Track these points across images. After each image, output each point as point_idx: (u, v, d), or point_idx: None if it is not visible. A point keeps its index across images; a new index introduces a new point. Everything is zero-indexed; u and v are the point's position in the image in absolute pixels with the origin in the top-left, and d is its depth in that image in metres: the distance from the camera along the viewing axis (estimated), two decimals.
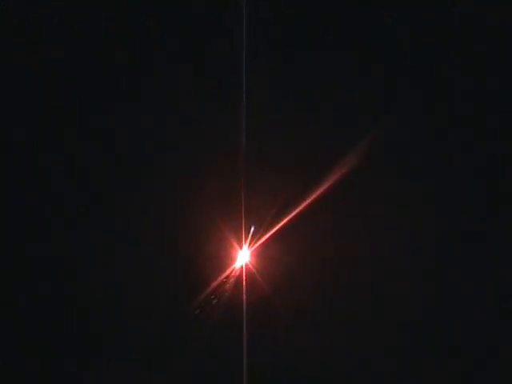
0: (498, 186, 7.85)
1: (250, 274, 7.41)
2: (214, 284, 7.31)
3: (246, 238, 7.44)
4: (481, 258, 7.72)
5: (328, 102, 7.79)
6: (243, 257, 7.40)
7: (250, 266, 7.41)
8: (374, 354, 7.53)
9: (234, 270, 7.40)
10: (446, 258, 7.74)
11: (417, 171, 7.89)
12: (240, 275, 7.41)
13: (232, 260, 7.45)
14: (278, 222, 7.43)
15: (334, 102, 7.84)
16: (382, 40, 8.08)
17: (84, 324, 7.24)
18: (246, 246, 7.45)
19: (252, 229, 7.49)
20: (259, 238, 7.42)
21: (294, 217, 7.44)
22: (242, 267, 7.42)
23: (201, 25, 7.96)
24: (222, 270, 7.40)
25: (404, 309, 7.58)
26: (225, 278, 7.35)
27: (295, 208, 7.46)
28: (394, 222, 7.71)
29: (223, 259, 7.43)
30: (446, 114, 7.96)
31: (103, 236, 7.43)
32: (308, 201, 7.47)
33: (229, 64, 7.82)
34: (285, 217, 7.45)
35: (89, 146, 7.61)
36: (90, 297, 7.31)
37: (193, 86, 7.75)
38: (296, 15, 8.02)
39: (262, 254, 7.46)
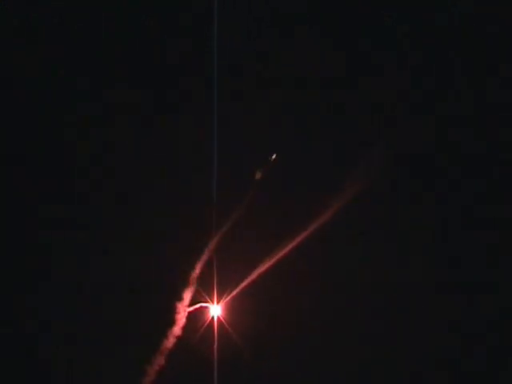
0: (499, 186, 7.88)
1: (221, 327, 7.56)
2: (186, 336, 7.49)
3: (219, 292, 7.58)
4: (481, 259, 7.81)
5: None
6: (215, 310, 7.54)
7: (221, 319, 7.56)
8: None
9: (205, 322, 7.57)
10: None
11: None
12: (211, 328, 7.57)
13: (204, 313, 7.60)
14: (250, 277, 7.53)
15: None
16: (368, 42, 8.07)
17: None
18: (217, 300, 7.61)
19: (273, 156, 7.60)
20: (230, 292, 7.56)
21: (264, 271, 7.55)
22: (213, 320, 7.58)
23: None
24: (195, 323, 7.56)
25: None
26: (196, 330, 7.53)
27: (266, 262, 7.57)
28: (367, 272, 7.80)
29: (196, 312, 7.59)
30: (445, 114, 7.93)
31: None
32: (280, 255, 7.57)
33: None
34: (256, 271, 7.56)
35: None
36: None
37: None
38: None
39: (232, 308, 7.60)
